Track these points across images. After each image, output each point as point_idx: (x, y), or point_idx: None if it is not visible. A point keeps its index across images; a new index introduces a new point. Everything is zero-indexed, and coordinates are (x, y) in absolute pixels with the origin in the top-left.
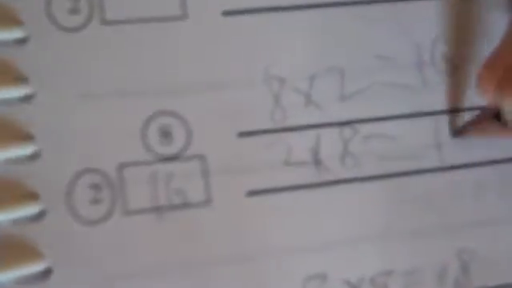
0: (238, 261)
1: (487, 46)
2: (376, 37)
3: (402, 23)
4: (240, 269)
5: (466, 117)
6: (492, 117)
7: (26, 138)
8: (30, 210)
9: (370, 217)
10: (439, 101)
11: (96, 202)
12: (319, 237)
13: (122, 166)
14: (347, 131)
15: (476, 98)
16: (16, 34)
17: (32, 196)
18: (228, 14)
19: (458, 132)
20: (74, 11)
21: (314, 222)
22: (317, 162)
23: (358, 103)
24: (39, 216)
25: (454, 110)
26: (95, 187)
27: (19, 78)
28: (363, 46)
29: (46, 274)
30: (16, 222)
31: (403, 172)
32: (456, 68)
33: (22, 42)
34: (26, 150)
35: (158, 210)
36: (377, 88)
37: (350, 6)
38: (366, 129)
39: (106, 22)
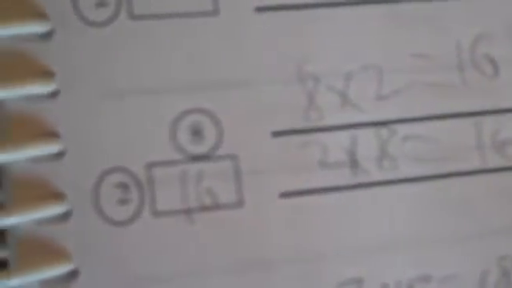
0: (270, 264)
1: None
2: (414, 35)
3: (441, 21)
4: (272, 272)
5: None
6: None
7: (52, 135)
8: (56, 209)
9: (408, 220)
10: (480, 101)
11: (123, 202)
12: (355, 240)
13: (150, 166)
14: (384, 132)
15: None
16: (42, 28)
17: (58, 195)
18: (261, 9)
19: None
20: (101, 4)
21: (350, 225)
22: (353, 163)
23: (395, 103)
24: (65, 216)
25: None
26: (123, 187)
27: (45, 74)
28: (400, 45)
29: (73, 275)
30: (42, 222)
31: (442, 174)
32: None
33: (47, 36)
34: (52, 148)
35: (187, 211)
36: (415, 88)
37: (387, 3)
38: (403, 129)
39: (133, 17)
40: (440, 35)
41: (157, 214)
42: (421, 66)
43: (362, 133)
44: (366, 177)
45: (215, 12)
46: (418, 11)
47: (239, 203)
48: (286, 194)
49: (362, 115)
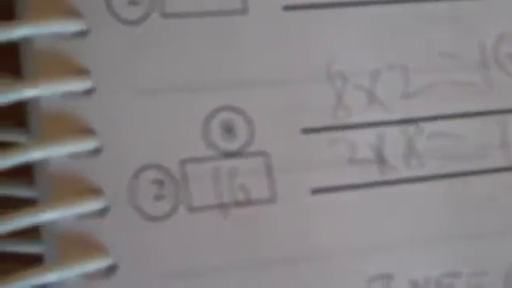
0: (302, 259)
1: None
2: (439, 34)
3: (465, 21)
4: (304, 267)
5: None
6: None
7: (88, 132)
8: (94, 205)
9: (435, 216)
10: (504, 100)
11: (159, 198)
12: (384, 236)
13: (184, 162)
14: (411, 129)
15: None
16: (76, 26)
17: (95, 191)
18: (289, 8)
19: None
20: (134, 3)
21: (379, 221)
22: (381, 160)
23: (421, 101)
24: (103, 212)
25: None
26: (158, 183)
27: (80, 72)
28: (426, 44)
29: (111, 270)
30: (80, 217)
31: (468, 171)
32: None
33: (82, 34)
34: (88, 144)
35: (222, 206)
36: (441, 86)
37: (412, 2)
38: (430, 127)
39: (166, 15)
40: (464, 34)
41: (192, 209)
42: (446, 65)
43: (389, 130)
44: (394, 174)
45: (244, 10)
46: (442, 10)
47: (271, 199)
48: (316, 191)
49: (389, 113)
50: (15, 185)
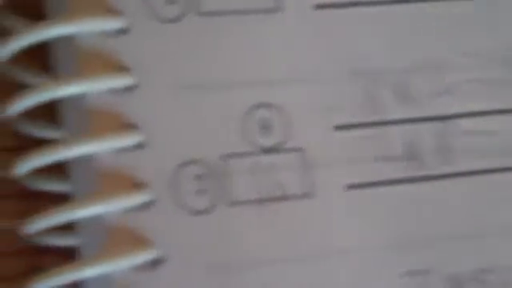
0: (337, 253)
1: None
2: (470, 32)
3: (491, 18)
4: (338, 262)
5: None
6: None
7: (131, 128)
8: (139, 199)
9: (468, 212)
10: None
11: (201, 192)
12: (418, 231)
13: (224, 157)
14: (442, 126)
15: None
16: (116, 24)
17: (139, 186)
18: (320, 7)
19: None
20: (171, 2)
21: (413, 217)
22: (413, 156)
23: (453, 98)
24: (147, 205)
25: None
26: (200, 178)
27: (121, 69)
28: (456, 42)
29: (157, 262)
30: (125, 211)
31: (500, 168)
32: None
33: (122, 32)
34: (132, 139)
35: (260, 201)
36: (472, 83)
37: (439, 1)
38: (462, 124)
39: (201, 14)
40: (490, 33)
41: (232, 204)
42: (474, 63)
43: (421, 127)
44: (427, 170)
45: (277, 9)
46: (469, 9)
47: (307, 195)
48: (350, 186)
49: (421, 110)
50: (51, 180)
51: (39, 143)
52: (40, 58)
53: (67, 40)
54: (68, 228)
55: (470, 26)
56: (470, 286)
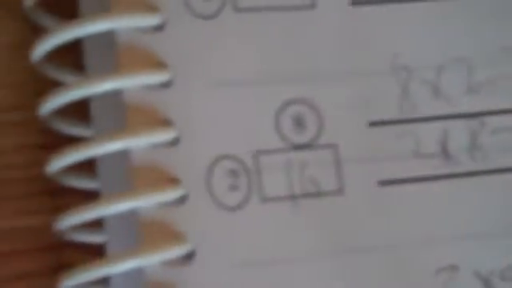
0: (369, 250)
1: None
2: (503, 28)
3: None
4: (370, 258)
5: None
6: None
7: (166, 123)
8: (172, 194)
9: (499, 209)
10: None
11: (234, 188)
12: (449, 228)
13: (257, 154)
14: (475, 123)
15: None
16: (153, 20)
17: (174, 181)
18: (356, 3)
19: None
20: None
21: (444, 214)
22: (445, 153)
23: (486, 95)
24: (181, 200)
25: None
26: (233, 174)
27: (158, 65)
28: (490, 38)
29: (189, 257)
30: (160, 206)
31: None
32: None
33: (159, 28)
34: (167, 135)
35: (292, 197)
36: (505, 80)
37: None
38: (494, 121)
39: (238, 10)
40: None
41: (264, 199)
42: (509, 60)
43: (454, 124)
44: (458, 167)
45: (313, 5)
46: (506, 5)
47: (340, 191)
48: (383, 183)
49: (454, 107)
50: (81, 177)
51: (68, 140)
52: (72, 56)
53: (103, 36)
54: (94, 225)
55: (502, 23)
56: (497, 283)
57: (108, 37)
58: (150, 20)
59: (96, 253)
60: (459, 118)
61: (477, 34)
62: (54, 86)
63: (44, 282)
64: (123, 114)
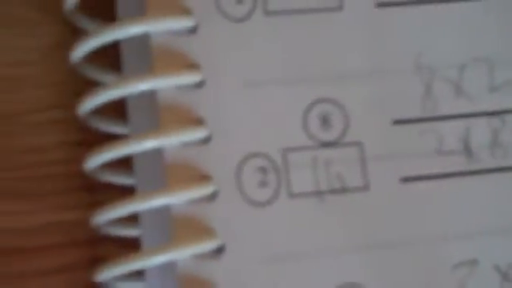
0: (391, 245)
1: None
2: None
3: None
4: (392, 253)
5: None
6: None
7: (198, 122)
8: (204, 190)
9: None
10: None
11: (263, 184)
12: (470, 224)
13: (285, 151)
14: (496, 121)
15: None
16: (187, 23)
17: (205, 178)
18: (381, 5)
19: None
20: (240, 1)
21: (465, 210)
22: (467, 151)
23: (506, 94)
24: (212, 197)
25: None
26: (262, 171)
27: (191, 66)
28: (510, 38)
29: (220, 251)
30: (192, 202)
31: None
32: None
33: (192, 30)
34: (199, 133)
35: (319, 193)
36: None
37: None
38: None
39: (268, 13)
40: None
41: (292, 195)
42: None
43: (475, 122)
44: (479, 164)
45: (340, 7)
46: None
47: (365, 187)
48: (406, 179)
49: (475, 105)
50: (118, 174)
51: (105, 138)
52: (109, 57)
53: (140, 39)
54: (129, 220)
55: None
56: None
57: (144, 39)
58: (184, 23)
59: (131, 247)
60: (481, 116)
61: (498, 34)
62: (93, 86)
63: (81, 275)
64: (158, 113)
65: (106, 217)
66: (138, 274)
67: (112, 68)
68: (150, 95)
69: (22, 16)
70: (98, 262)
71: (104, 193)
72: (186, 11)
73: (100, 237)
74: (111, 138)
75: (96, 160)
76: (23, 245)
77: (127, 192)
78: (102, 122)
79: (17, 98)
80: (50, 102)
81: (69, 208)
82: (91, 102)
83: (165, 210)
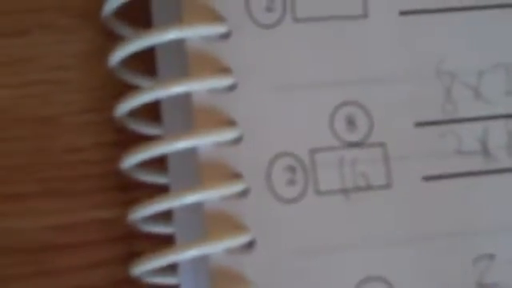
0: (415, 240)
1: None
2: None
3: None
4: (416, 249)
5: None
6: None
7: (230, 123)
8: (236, 188)
9: None
10: None
11: (291, 182)
12: (488, 220)
13: (313, 151)
14: None
15: None
16: (220, 29)
17: (237, 176)
18: (404, 13)
19: None
20: (270, 9)
21: (483, 207)
22: (485, 151)
23: None
24: (243, 194)
25: None
26: (291, 169)
27: (224, 70)
28: None
29: (251, 245)
30: (224, 199)
31: None
32: None
33: (225, 36)
34: (231, 134)
35: (344, 191)
36: None
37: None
38: None
39: (297, 20)
40: None
41: (319, 193)
42: None
43: (493, 124)
44: (497, 164)
45: (365, 15)
46: None
47: (388, 185)
48: (427, 178)
49: (493, 108)
50: (152, 173)
51: (141, 139)
52: (145, 62)
53: (175, 44)
54: (163, 217)
55: None
56: None
57: (179, 44)
58: (218, 29)
59: (164, 243)
60: (498, 118)
61: None
62: (129, 89)
63: (118, 270)
64: (191, 115)
65: (142, 213)
66: (172, 269)
67: (148, 72)
68: (185, 97)
69: (63, 23)
70: (134, 257)
71: (138, 191)
72: (219, 18)
73: (136, 233)
74: (144, 139)
75: (132, 160)
76: (63, 241)
77: (160, 191)
78: (138, 123)
79: (58, 100)
80: (89, 105)
81: (105, 206)
82: (128, 105)
83: (198, 207)
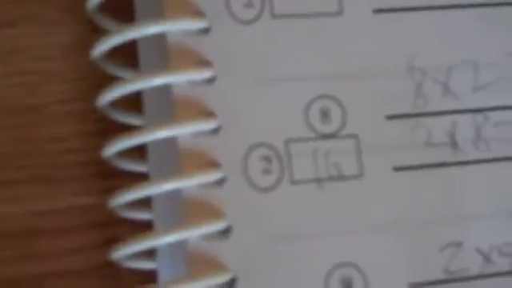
0: (384, 228)
1: None
2: (507, 36)
3: None
4: (386, 236)
5: None
6: None
7: (209, 114)
8: (213, 176)
9: (500, 193)
10: None
11: (267, 172)
12: (455, 209)
13: (288, 142)
14: (480, 118)
15: None
16: (200, 24)
17: (214, 165)
18: (378, 11)
19: None
20: (249, 6)
21: (451, 197)
22: (453, 144)
23: (489, 94)
24: (220, 182)
25: None
26: (266, 159)
27: (203, 63)
28: (495, 44)
29: (227, 232)
30: (201, 187)
31: None
32: None
33: (205, 32)
34: (209, 125)
35: (318, 180)
36: (507, 81)
37: (485, 7)
38: (496, 116)
39: (274, 16)
40: None
41: (294, 182)
42: (510, 63)
43: (461, 118)
44: (464, 156)
45: (340, 12)
46: (510, 15)
47: (360, 175)
48: (398, 169)
49: (461, 103)
50: (132, 161)
51: (120, 129)
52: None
53: (156, 37)
54: (142, 203)
55: (508, 31)
56: (496, 258)
57: (160, 38)
58: (198, 24)
59: (144, 229)
60: (466, 112)
61: (482, 39)
62: (112, 80)
63: (98, 254)
64: (172, 106)
65: (123, 200)
66: (151, 254)
67: (129, 64)
68: (165, 89)
69: (49, 16)
70: (114, 242)
71: (119, 179)
72: (199, 13)
73: (116, 219)
74: (126, 129)
75: (113, 148)
76: (46, 227)
77: (140, 178)
78: (119, 113)
79: (43, 91)
80: (72, 95)
81: (87, 193)
82: (110, 95)
83: (176, 194)
